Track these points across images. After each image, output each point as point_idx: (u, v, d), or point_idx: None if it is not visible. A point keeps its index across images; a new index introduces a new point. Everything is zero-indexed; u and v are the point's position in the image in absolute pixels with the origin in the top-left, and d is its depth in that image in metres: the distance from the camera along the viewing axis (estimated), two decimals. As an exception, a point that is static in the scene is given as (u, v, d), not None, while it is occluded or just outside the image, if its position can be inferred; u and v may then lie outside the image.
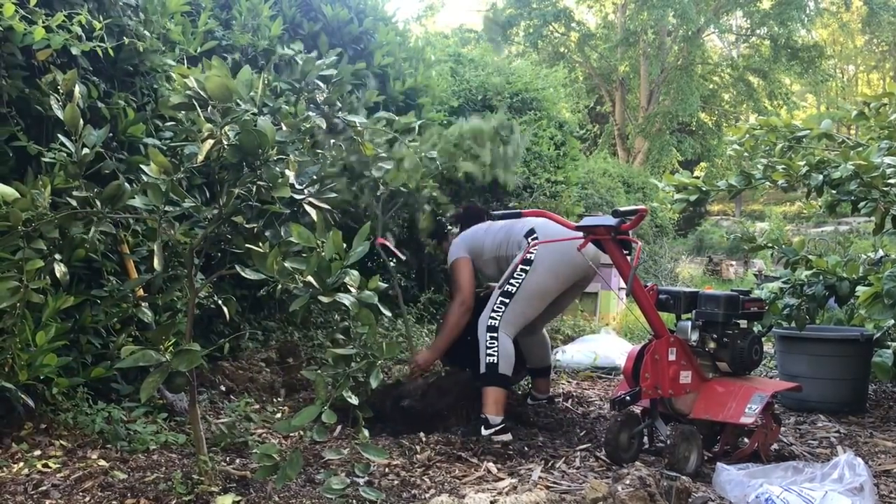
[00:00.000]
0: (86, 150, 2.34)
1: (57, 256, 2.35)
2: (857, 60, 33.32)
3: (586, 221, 3.12)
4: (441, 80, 6.00)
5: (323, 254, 2.12)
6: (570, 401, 4.00)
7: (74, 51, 2.85)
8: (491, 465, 2.81)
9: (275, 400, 3.58)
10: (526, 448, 3.07)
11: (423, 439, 3.07)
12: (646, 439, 3.07)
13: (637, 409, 3.05)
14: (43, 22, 2.73)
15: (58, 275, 2.35)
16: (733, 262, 15.44)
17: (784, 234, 13.64)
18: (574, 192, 7.50)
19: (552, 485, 2.64)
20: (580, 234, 3.12)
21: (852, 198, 3.55)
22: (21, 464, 2.51)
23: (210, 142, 2.11)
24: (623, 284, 2.92)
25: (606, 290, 6.99)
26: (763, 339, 3.27)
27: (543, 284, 3.36)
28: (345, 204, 3.27)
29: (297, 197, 2.36)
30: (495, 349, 3.25)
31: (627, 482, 2.20)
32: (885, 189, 3.42)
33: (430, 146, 3.57)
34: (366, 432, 2.31)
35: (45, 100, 2.72)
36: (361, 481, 2.43)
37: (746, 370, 3.07)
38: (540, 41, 23.18)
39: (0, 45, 2.71)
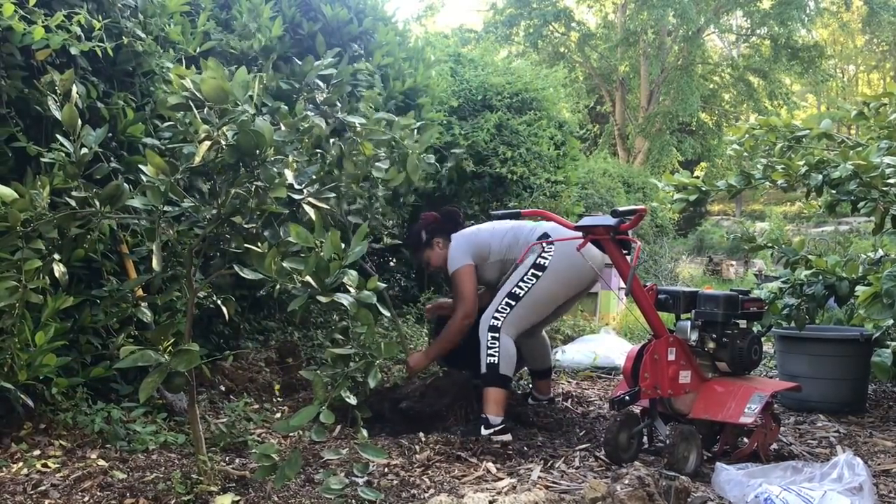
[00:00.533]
0: (84, 151, 2.34)
1: (56, 256, 2.36)
2: (858, 60, 33.31)
3: (585, 221, 3.12)
4: (441, 80, 5.99)
5: (321, 254, 2.12)
6: (569, 401, 4.00)
7: (73, 51, 2.85)
8: (490, 465, 2.81)
9: (274, 400, 3.58)
10: (525, 448, 3.07)
11: (423, 439, 3.07)
12: (645, 439, 3.07)
13: (636, 409, 3.05)
14: (42, 22, 2.73)
15: (57, 275, 2.35)
16: (734, 262, 15.44)
17: (784, 233, 13.64)
18: (574, 192, 7.49)
19: (551, 484, 2.64)
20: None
21: (852, 198, 3.54)
22: (20, 463, 2.52)
23: (207, 143, 2.11)
24: (623, 284, 2.91)
25: (606, 290, 6.99)
26: (763, 338, 3.27)
27: (553, 291, 3.34)
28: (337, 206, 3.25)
29: (296, 197, 2.36)
30: (496, 349, 3.24)
31: (626, 482, 2.20)
32: (884, 189, 3.41)
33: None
34: (364, 432, 2.31)
35: (44, 100, 2.73)
36: (360, 481, 2.43)
37: (746, 370, 3.07)
38: (540, 41, 23.18)
39: (-1, 45, 2.71)
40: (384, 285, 2.38)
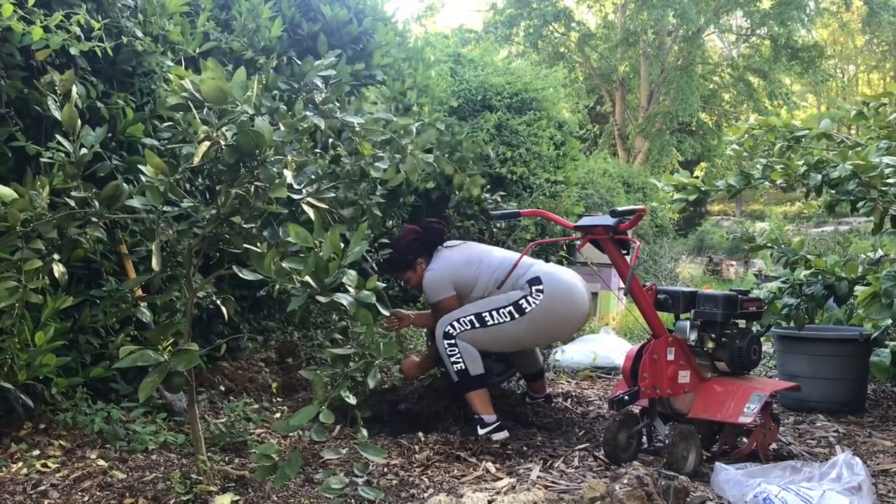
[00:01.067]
0: (84, 151, 2.34)
1: (55, 256, 2.36)
2: (858, 60, 33.30)
3: (584, 221, 3.12)
4: (441, 80, 6.00)
5: (321, 254, 2.13)
6: (569, 400, 4.00)
7: (73, 51, 2.85)
8: (489, 465, 2.81)
9: (274, 400, 3.58)
10: (525, 448, 3.07)
11: (422, 439, 3.07)
12: (644, 439, 3.07)
13: (636, 409, 3.05)
14: (41, 22, 2.73)
15: (56, 275, 2.36)
16: (734, 262, 15.44)
17: (784, 234, 13.64)
18: (574, 192, 7.50)
19: (550, 484, 2.64)
20: (585, 298, 3.19)
21: (851, 197, 3.54)
22: (20, 463, 2.52)
23: (206, 143, 2.11)
24: (622, 284, 2.92)
25: (606, 290, 6.99)
26: (762, 338, 3.28)
27: (521, 337, 3.23)
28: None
29: (295, 197, 2.36)
30: (458, 355, 3.16)
31: (625, 481, 2.21)
32: (883, 189, 3.41)
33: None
34: (364, 432, 2.31)
35: (44, 100, 2.73)
36: (360, 481, 2.43)
37: (745, 370, 3.08)
38: (540, 41, 23.18)
39: (-1, 46, 2.72)
40: (383, 285, 2.38)
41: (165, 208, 2.33)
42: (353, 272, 2.16)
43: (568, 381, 4.64)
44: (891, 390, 4.54)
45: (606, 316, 7.15)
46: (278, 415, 3.38)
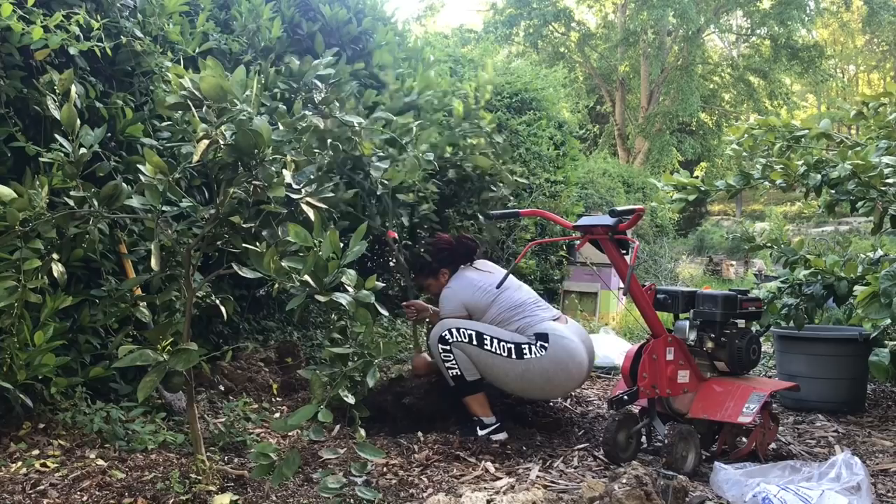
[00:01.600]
0: (83, 150, 2.34)
1: (55, 256, 2.36)
2: (858, 60, 33.31)
3: (583, 221, 3.12)
4: (440, 80, 6.00)
5: (320, 253, 2.13)
6: (568, 400, 4.00)
7: (72, 51, 2.85)
8: (489, 465, 2.81)
9: (273, 399, 3.58)
10: (524, 447, 3.07)
11: (422, 439, 3.07)
12: (644, 439, 3.07)
13: (635, 409, 3.05)
14: (41, 22, 2.73)
15: (56, 274, 2.36)
16: (734, 262, 15.46)
17: (784, 234, 13.63)
18: (574, 192, 7.50)
19: (550, 484, 2.64)
20: (584, 367, 3.17)
21: (850, 197, 3.55)
22: (19, 463, 2.52)
23: (205, 142, 2.11)
24: (622, 284, 2.91)
25: (606, 290, 6.99)
26: (761, 338, 3.28)
27: (507, 379, 3.18)
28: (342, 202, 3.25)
29: (294, 196, 2.36)
30: (453, 361, 3.15)
31: (624, 481, 2.21)
32: (882, 188, 3.42)
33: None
34: (363, 431, 2.31)
35: (43, 100, 2.73)
36: (359, 480, 2.43)
37: (744, 370, 3.07)
38: (540, 41, 23.19)
39: (-2, 46, 2.72)
40: (382, 285, 2.38)
41: (164, 208, 2.33)
42: (352, 272, 2.16)
43: (567, 381, 4.63)
44: (890, 390, 4.54)
45: (606, 316, 7.15)
46: (277, 414, 3.38)
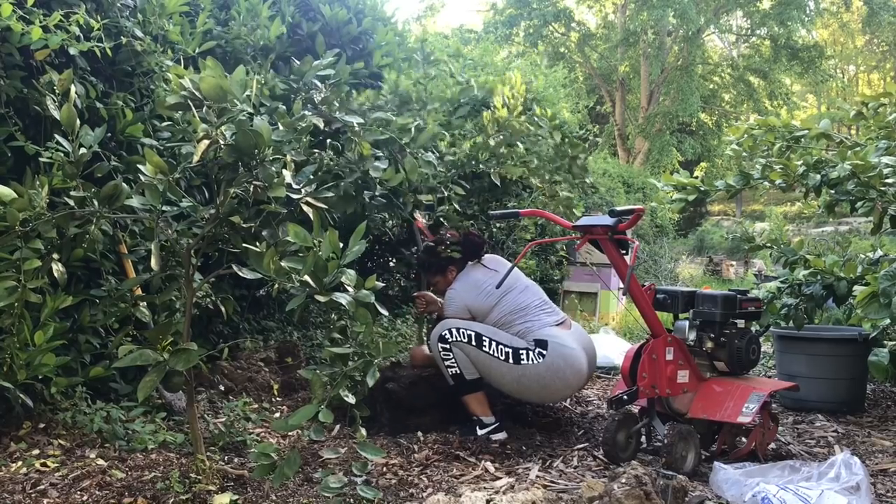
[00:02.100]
0: (83, 150, 2.34)
1: (55, 256, 2.36)
2: (858, 60, 33.30)
3: (583, 221, 3.12)
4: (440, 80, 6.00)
5: (320, 253, 2.13)
6: (568, 400, 4.00)
7: (72, 51, 2.85)
8: (489, 465, 2.82)
9: (273, 399, 3.58)
10: (524, 447, 3.07)
11: (421, 439, 3.07)
12: (643, 438, 3.07)
13: (635, 409, 3.06)
14: (40, 22, 2.73)
15: (56, 274, 2.36)
16: (734, 263, 15.46)
17: (784, 234, 13.63)
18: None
19: (549, 484, 2.64)
20: (583, 375, 3.16)
21: (850, 197, 3.54)
22: (19, 463, 2.52)
23: (205, 142, 2.12)
24: (622, 284, 2.91)
25: (606, 290, 6.99)
26: (761, 338, 3.28)
27: (504, 381, 3.18)
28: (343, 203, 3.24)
29: (294, 196, 2.36)
30: (452, 360, 3.16)
31: (623, 481, 2.21)
32: (882, 189, 3.42)
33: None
34: (363, 431, 2.32)
35: (43, 100, 2.73)
36: (359, 480, 2.43)
37: (744, 370, 3.08)
38: (540, 41, 23.19)
39: (-2, 46, 2.72)
40: (382, 284, 2.38)
41: (164, 208, 2.33)
42: (351, 272, 2.16)
43: (567, 381, 4.64)
44: (890, 390, 4.54)
45: (606, 316, 7.15)
46: (278, 414, 3.39)
